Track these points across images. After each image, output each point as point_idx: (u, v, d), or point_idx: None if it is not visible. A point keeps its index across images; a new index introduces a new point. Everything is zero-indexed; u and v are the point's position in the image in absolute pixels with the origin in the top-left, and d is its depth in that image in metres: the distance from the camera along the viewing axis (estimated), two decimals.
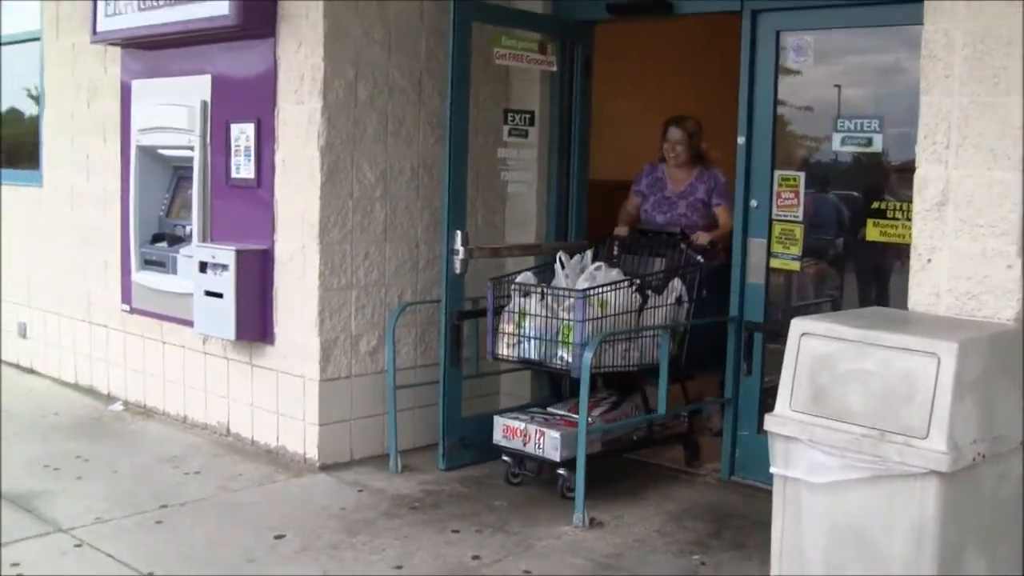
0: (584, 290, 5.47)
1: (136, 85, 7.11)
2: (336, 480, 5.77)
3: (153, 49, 6.92)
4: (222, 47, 6.40)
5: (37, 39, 8.27)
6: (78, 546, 4.70)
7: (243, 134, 6.30)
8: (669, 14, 6.18)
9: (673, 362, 5.68)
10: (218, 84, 6.47)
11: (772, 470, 3.60)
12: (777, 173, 5.72)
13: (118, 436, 6.58)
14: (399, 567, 4.55)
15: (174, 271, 6.79)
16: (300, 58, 5.96)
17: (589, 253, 6.15)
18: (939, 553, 3.25)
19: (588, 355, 5.14)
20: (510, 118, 6.47)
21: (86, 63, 7.62)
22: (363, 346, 6.14)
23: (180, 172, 6.95)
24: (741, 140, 5.83)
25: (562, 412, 5.81)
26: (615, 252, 6.30)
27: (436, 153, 6.26)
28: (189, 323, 6.50)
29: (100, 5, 6.93)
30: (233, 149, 6.37)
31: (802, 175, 5.68)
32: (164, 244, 6.98)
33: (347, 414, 6.08)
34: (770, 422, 3.58)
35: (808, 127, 5.95)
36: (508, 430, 5.63)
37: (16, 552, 4.62)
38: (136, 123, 7.06)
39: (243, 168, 6.33)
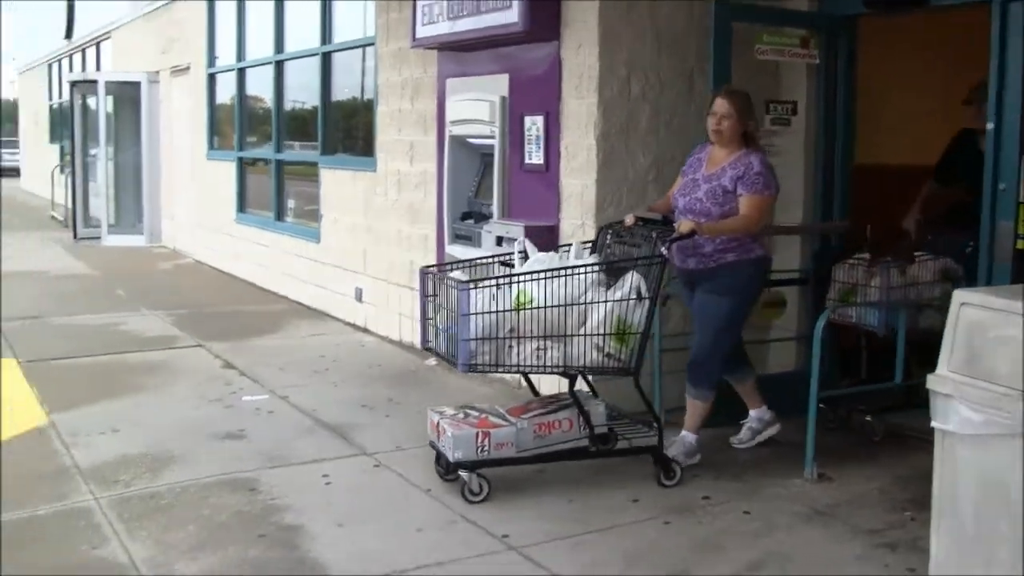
0: (467, 282, 5.18)
1: (449, 83, 8.16)
2: None
3: (462, 51, 7.93)
4: (516, 49, 7.31)
5: (372, 44, 9.54)
6: (376, 466, 5.78)
7: (534, 125, 7.17)
8: (923, 7, 6.55)
9: (622, 366, 5.31)
10: (514, 81, 7.38)
11: (932, 424, 4.09)
12: None
13: (427, 385, 7.67)
14: (635, 500, 5.33)
15: (479, 244, 7.71)
16: (580, 59, 6.76)
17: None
18: None
19: (464, 352, 5.11)
20: (771, 108, 7.01)
21: (410, 64, 8.77)
22: None
23: (486, 158, 7.90)
24: (990, 126, 6.14)
25: (499, 411, 5.53)
26: (607, 240, 5.87)
27: None
28: None
29: (418, 15, 8.01)
30: (526, 138, 7.25)
31: None
32: (471, 221, 7.97)
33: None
34: (931, 381, 4.05)
35: None
36: (430, 423, 5.56)
37: (327, 467, 5.77)
38: (449, 116, 8.10)
39: (534, 155, 7.20)
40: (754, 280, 5.85)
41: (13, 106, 76.68)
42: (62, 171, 22.44)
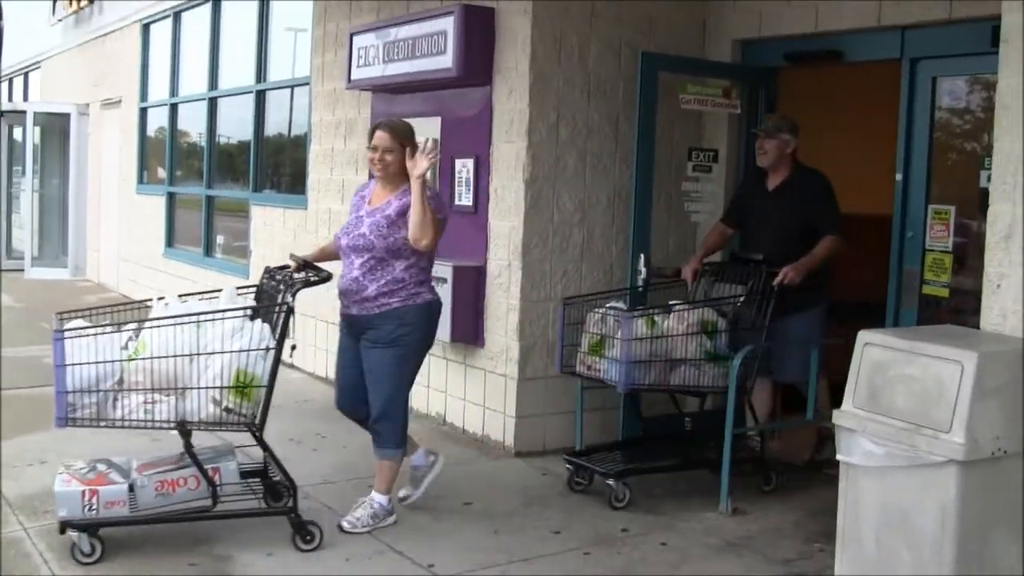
0: (59, 331, 4.87)
1: None
2: (526, 465, 6.73)
3: (396, 93, 8.12)
4: (449, 93, 7.51)
5: (306, 83, 9.70)
6: (304, 498, 5.85)
7: (464, 167, 7.36)
8: (839, 62, 6.86)
9: (244, 420, 5.03)
10: (446, 124, 7.57)
11: (837, 457, 4.32)
12: (931, 207, 6.31)
13: (348, 422, 7.74)
14: (557, 532, 5.49)
15: None
16: (510, 104, 6.97)
17: None
18: (960, 533, 3.87)
19: (60, 405, 4.87)
20: (694, 155, 7.28)
21: (344, 105, 8.94)
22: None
23: None
24: (899, 177, 6.43)
25: (128, 466, 5.25)
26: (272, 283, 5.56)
27: (630, 186, 7.12)
28: None
29: (354, 58, 8.18)
30: (456, 180, 7.43)
31: (952, 208, 6.21)
32: None
33: (542, 409, 6.98)
34: (836, 416, 4.30)
35: (959, 165, 6.47)
36: (62, 479, 5.08)
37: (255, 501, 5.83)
38: None
39: (464, 196, 7.38)
40: (420, 327, 5.47)
41: None
42: None
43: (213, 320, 4.98)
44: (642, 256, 6.76)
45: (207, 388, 4.88)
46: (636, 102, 6.78)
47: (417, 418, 7.70)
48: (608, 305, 6.15)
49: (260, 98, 10.95)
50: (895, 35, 6.37)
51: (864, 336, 4.31)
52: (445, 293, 7.11)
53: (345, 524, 5.42)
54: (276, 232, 10.26)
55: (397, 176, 5.46)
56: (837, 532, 4.36)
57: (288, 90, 10.55)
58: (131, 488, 5.01)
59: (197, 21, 12.84)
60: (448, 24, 7.10)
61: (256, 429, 5.06)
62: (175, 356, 4.86)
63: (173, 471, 5.10)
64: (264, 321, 5.05)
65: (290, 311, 5.05)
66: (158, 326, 4.92)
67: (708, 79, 7.09)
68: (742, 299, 6.19)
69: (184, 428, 4.94)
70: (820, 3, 6.63)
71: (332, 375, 9.02)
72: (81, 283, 16.70)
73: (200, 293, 5.49)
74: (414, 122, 7.71)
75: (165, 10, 13.67)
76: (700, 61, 7.24)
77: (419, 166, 5.25)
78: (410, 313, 5.39)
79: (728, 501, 5.86)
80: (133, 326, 5.11)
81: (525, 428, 6.94)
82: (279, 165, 11.16)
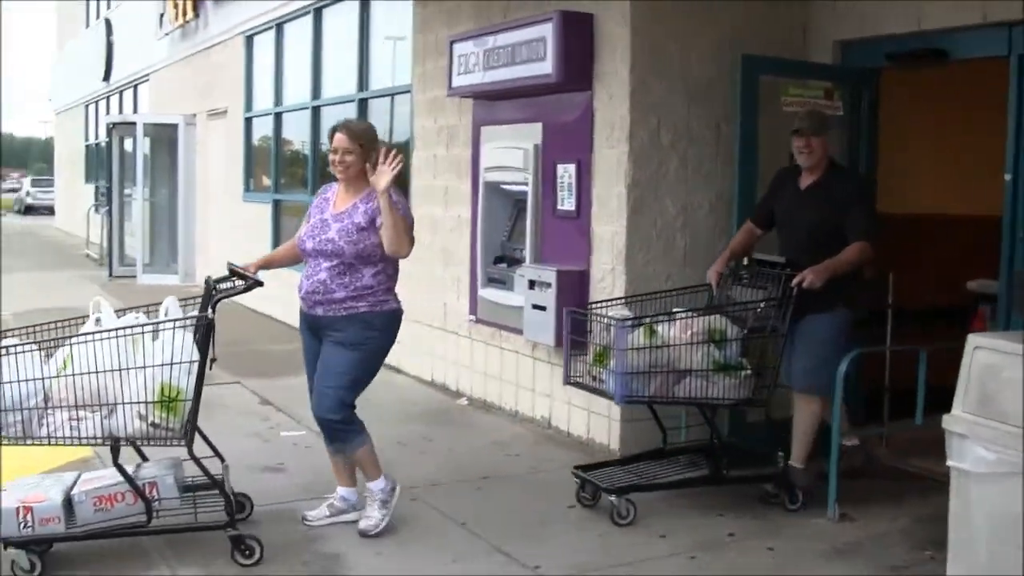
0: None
1: (484, 131, 8.41)
2: None
3: (496, 100, 8.20)
4: (550, 99, 7.56)
5: (408, 92, 9.84)
6: (413, 500, 5.99)
7: (566, 173, 7.40)
8: (942, 61, 6.77)
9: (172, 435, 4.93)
10: (547, 130, 7.62)
11: (948, 463, 4.29)
12: None
13: (459, 424, 7.90)
14: (663, 535, 5.53)
15: (511, 288, 7.94)
16: (611, 109, 7.01)
17: None
18: None
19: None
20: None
21: (446, 112, 9.06)
22: None
23: (519, 204, 8.13)
24: (1008, 177, 6.33)
25: (71, 480, 5.20)
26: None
27: (732, 189, 7.12)
28: (520, 332, 7.67)
29: (455, 65, 8.29)
30: (558, 185, 7.48)
31: None
32: (504, 265, 8.19)
33: (646, 412, 6.99)
34: (946, 421, 4.26)
35: None
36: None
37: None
38: (483, 162, 8.35)
39: (566, 201, 7.43)
40: (386, 334, 5.50)
41: (46, 145, 77.52)
42: (97, 210, 22.88)
43: (132, 334, 4.92)
44: (745, 259, 6.73)
45: (132, 403, 4.82)
46: (737, 106, 6.77)
47: (522, 421, 7.82)
48: (610, 314, 5.88)
49: (362, 106, 11.12)
50: (1002, 32, 6.26)
51: (974, 340, 4.27)
52: (549, 297, 7.18)
53: (363, 526, 5.47)
54: None
55: (358, 178, 5.46)
56: (948, 540, 4.32)
57: (389, 98, 10.71)
58: (69, 503, 4.96)
59: (299, 32, 13.08)
60: (547, 30, 7.16)
61: (185, 442, 4.95)
62: (98, 372, 4.81)
63: (111, 486, 5.03)
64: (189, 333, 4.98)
65: (209, 324, 4.98)
66: (83, 342, 4.86)
67: (809, 81, 7.05)
68: (761, 305, 5.89)
69: (114, 444, 4.88)
70: (923, 2, 6.54)
71: (438, 378, 9.21)
72: (191, 289, 17.06)
73: (144, 307, 5.30)
74: (515, 128, 7.90)
75: (268, 22, 13.94)
76: (801, 63, 7.20)
77: (381, 181, 5.22)
78: (377, 319, 5.41)
79: (836, 507, 5.82)
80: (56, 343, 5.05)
81: (629, 431, 6.96)
82: None
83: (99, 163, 25.13)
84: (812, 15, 7.33)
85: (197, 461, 5.07)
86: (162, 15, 18.71)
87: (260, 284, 5.31)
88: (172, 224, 18.27)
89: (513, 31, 7.58)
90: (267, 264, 5.88)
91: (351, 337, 5.39)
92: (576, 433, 7.40)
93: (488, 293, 8.28)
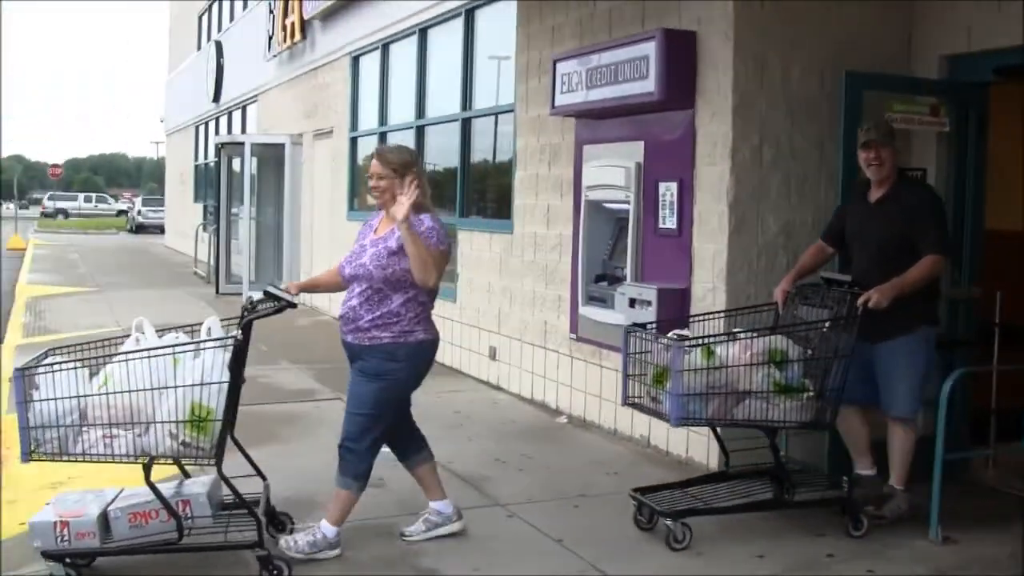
0: (25, 368, 4.95)
1: (586, 149, 8.44)
2: None
3: (599, 119, 8.22)
4: (652, 117, 7.56)
5: (511, 111, 9.92)
6: (510, 516, 6.01)
7: (668, 191, 7.39)
8: None
9: (203, 455, 5.00)
10: (649, 148, 7.63)
11: None
12: None
13: (558, 442, 7.90)
14: (761, 556, 5.46)
15: (612, 306, 7.94)
16: (713, 127, 6.99)
17: None
18: None
19: (24, 441, 4.94)
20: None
21: (548, 131, 9.11)
22: None
23: (620, 222, 8.13)
24: None
25: (111, 496, 5.26)
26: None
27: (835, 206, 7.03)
28: (620, 350, 7.66)
29: (558, 84, 8.33)
30: (660, 203, 7.47)
31: None
32: (605, 283, 8.20)
33: (745, 432, 6.93)
34: None
35: None
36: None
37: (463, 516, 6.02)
38: (585, 181, 8.37)
39: (667, 220, 7.42)
40: (410, 365, 5.37)
41: (158, 165, 79.51)
42: (205, 229, 23.36)
43: (166, 354, 4.96)
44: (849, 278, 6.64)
45: (164, 423, 4.88)
46: (840, 122, 6.69)
47: (620, 440, 7.80)
48: (672, 333, 5.67)
49: (466, 126, 11.22)
50: None
51: None
52: (649, 315, 7.15)
53: (281, 542, 5.36)
54: (483, 256, 10.50)
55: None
56: None
57: (493, 117, 10.80)
58: (105, 519, 5.03)
59: (404, 52, 13.24)
60: (650, 49, 7.17)
61: (216, 462, 4.99)
62: (131, 391, 4.88)
63: (147, 503, 5.07)
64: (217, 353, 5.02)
65: (239, 344, 5.00)
66: (122, 360, 4.96)
67: (915, 97, 6.94)
68: (826, 325, 5.74)
69: (148, 462, 4.95)
70: None
71: (537, 396, 9.23)
72: None
73: (185, 326, 5.40)
74: (617, 146, 7.92)
75: (374, 43, 14.14)
76: (906, 78, 7.10)
77: (398, 211, 5.18)
78: (400, 350, 5.30)
79: (939, 528, 5.71)
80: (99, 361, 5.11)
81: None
82: (485, 191, 11.41)
83: (208, 182, 25.70)
84: (917, 29, 7.23)
85: (226, 480, 5.12)
86: (271, 37, 19.08)
87: (293, 306, 5.33)
88: (278, 242, 18.57)
89: (616, 49, 7.61)
90: (310, 287, 5.93)
91: (372, 367, 5.34)
92: (675, 452, 7.36)
93: (589, 311, 8.29)
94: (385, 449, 5.35)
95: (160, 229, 40.83)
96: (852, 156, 6.62)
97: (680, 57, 7.11)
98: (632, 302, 7.42)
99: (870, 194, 6.20)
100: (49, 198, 72.93)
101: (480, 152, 11.40)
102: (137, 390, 4.88)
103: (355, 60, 15.07)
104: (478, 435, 8.05)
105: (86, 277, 22.14)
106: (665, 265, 7.45)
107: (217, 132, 25.80)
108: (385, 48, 13.95)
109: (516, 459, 7.37)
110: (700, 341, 5.64)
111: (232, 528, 5.20)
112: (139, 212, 51.99)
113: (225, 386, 4.95)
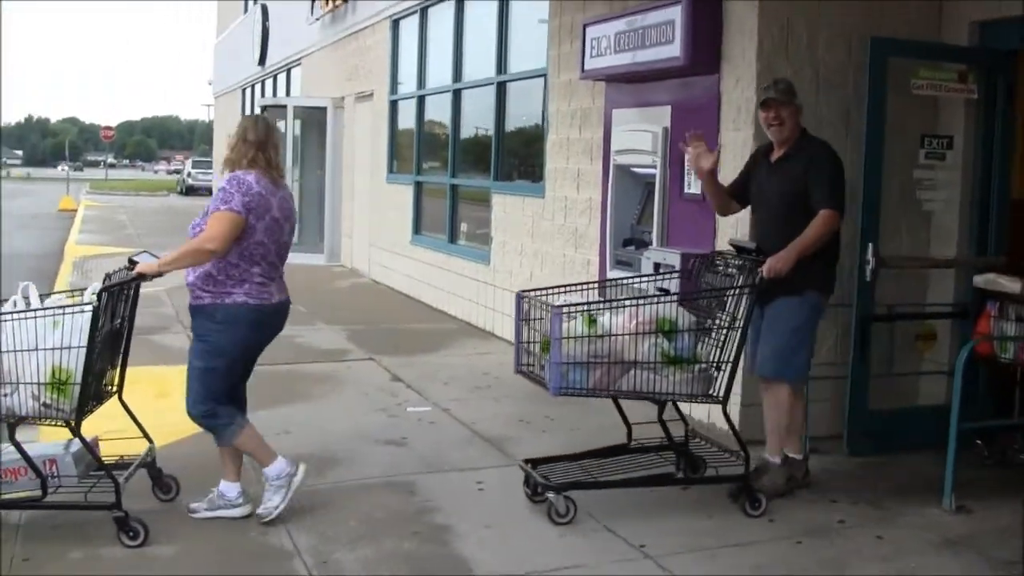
0: None
1: (615, 114, 8.47)
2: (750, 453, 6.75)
3: (628, 83, 8.24)
4: (678, 82, 7.58)
5: (544, 75, 9.94)
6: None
7: None
8: None
9: (64, 416, 4.99)
10: (675, 113, 7.64)
11: None
12: None
13: (582, 404, 7.88)
14: (772, 520, 5.53)
15: (638, 269, 7.97)
16: (737, 92, 6.99)
17: None
18: None
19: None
20: (927, 142, 7.07)
21: (579, 95, 9.13)
22: None
23: (648, 187, 8.15)
24: None
25: None
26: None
27: (859, 175, 7.01)
28: None
29: (587, 48, 8.35)
30: (686, 168, 7.49)
31: None
32: (632, 247, 8.25)
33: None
34: None
35: None
36: None
37: (481, 474, 6.20)
38: (614, 145, 8.40)
39: (692, 184, 7.42)
40: (228, 328, 5.27)
41: (208, 128, 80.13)
42: None
43: (26, 319, 4.96)
44: (870, 246, 6.64)
45: (27, 384, 4.92)
46: (867, 88, 6.66)
47: (644, 403, 7.80)
48: (558, 302, 5.43)
49: (501, 89, 11.26)
50: None
51: None
52: (673, 280, 7.18)
53: (259, 511, 5.36)
54: (516, 219, 10.55)
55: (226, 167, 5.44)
56: None
57: (527, 81, 10.82)
58: None
59: (443, 15, 13.29)
60: (676, 13, 7.18)
61: (73, 424, 5.00)
62: (2, 352, 4.93)
63: (14, 461, 5.14)
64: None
65: (95, 311, 4.92)
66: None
67: (942, 63, 6.89)
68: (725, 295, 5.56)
69: (11, 420, 4.99)
70: None
71: None
72: (335, 268, 17.52)
73: (69, 291, 5.50)
74: (645, 111, 7.95)
75: (413, 6, 14.18)
76: (933, 44, 7.05)
77: (147, 269, 5.30)
78: (219, 312, 5.24)
79: (952, 497, 5.72)
80: None
81: (750, 416, 6.94)
82: (518, 155, 11.45)
83: None
84: None
85: (84, 440, 5.14)
86: (314, 0, 19.15)
87: (144, 277, 5.32)
88: (320, 205, 18.70)
89: (643, 14, 7.62)
90: None
91: (196, 327, 5.36)
92: (697, 416, 7.40)
93: (616, 275, 8.32)
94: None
95: (209, 191, 41.19)
96: (876, 123, 6.63)
97: (705, 22, 7.11)
98: (657, 267, 7.44)
99: (772, 155, 6.06)
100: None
101: (514, 116, 11.43)
102: (5, 351, 4.93)
103: (395, 23, 15.12)
104: (505, 396, 8.14)
105: (133, 238, 22.48)
106: (690, 230, 7.47)
107: (263, 95, 25.97)
108: (424, 12, 14.00)
109: (540, 421, 7.46)
110: (583, 308, 5.39)
111: (97, 489, 5.15)
112: (189, 174, 52.46)
113: (83, 351, 4.92)
